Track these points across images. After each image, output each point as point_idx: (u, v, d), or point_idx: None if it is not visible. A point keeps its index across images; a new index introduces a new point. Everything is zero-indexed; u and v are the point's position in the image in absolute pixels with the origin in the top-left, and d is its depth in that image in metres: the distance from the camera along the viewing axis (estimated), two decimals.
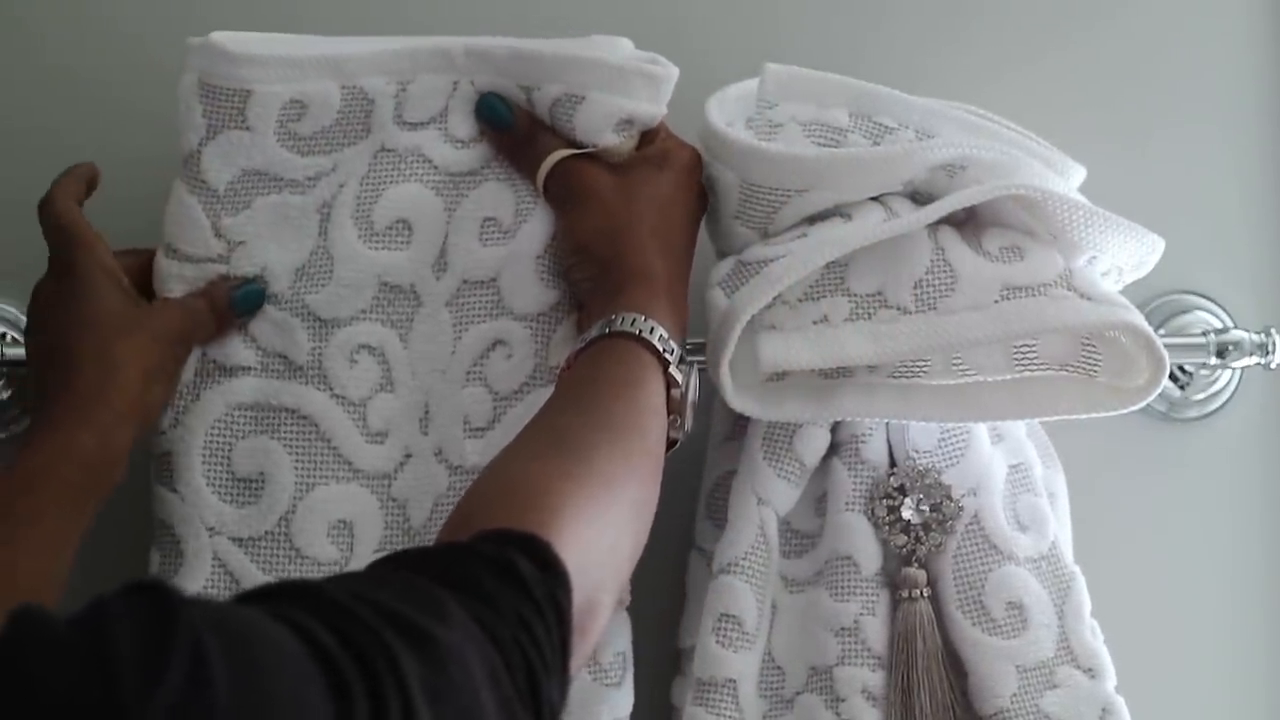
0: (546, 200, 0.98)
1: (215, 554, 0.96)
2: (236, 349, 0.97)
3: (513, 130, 0.98)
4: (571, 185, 0.97)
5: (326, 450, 0.98)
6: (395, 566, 0.69)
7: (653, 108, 0.98)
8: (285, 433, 0.97)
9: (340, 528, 0.98)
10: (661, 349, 0.90)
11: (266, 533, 0.96)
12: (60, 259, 0.94)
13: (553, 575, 0.71)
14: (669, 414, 0.90)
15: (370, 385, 0.98)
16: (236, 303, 0.97)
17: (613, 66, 0.97)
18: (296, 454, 0.97)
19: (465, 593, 0.66)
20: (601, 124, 0.97)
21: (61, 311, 0.92)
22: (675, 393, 0.91)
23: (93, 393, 0.90)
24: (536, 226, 0.99)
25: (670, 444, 0.91)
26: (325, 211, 0.98)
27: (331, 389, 0.98)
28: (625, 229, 0.95)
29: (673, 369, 0.90)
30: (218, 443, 0.97)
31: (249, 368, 0.98)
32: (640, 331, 0.90)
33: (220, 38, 0.95)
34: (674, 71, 0.98)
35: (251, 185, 0.97)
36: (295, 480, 0.97)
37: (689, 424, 0.92)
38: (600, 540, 0.78)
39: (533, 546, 0.71)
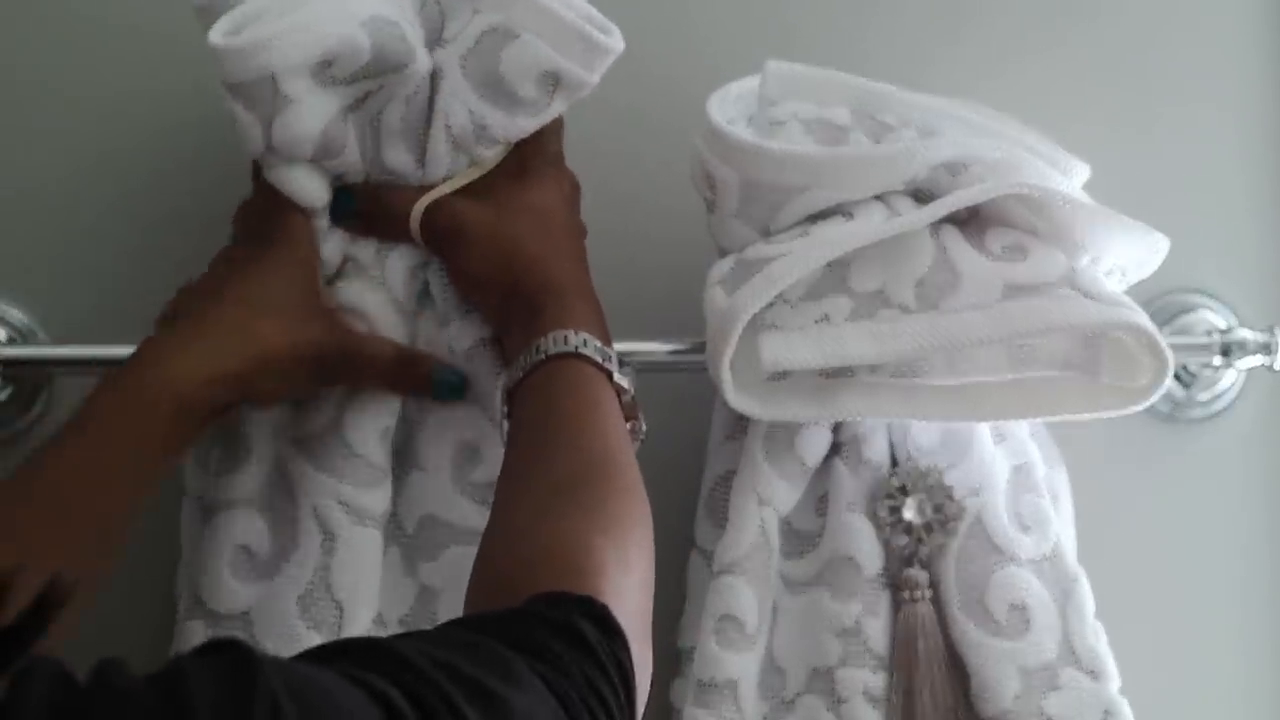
0: (428, 247, 0.97)
1: (277, 454, 0.97)
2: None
3: (357, 209, 0.97)
4: (444, 226, 0.95)
5: None
6: (464, 629, 0.69)
7: (581, 73, 0.95)
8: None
9: (386, 433, 0.98)
10: (601, 360, 0.89)
11: (323, 428, 0.97)
12: (273, 225, 0.95)
13: (613, 637, 0.71)
14: (626, 421, 0.90)
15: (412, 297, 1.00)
16: (436, 384, 0.97)
17: (560, 18, 0.95)
18: None
19: (534, 656, 0.67)
20: (526, 70, 0.95)
21: (253, 265, 0.93)
22: (625, 399, 0.90)
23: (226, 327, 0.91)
24: None
25: None
26: (375, 125, 0.97)
27: (390, 292, 0.98)
28: (514, 252, 0.94)
29: (617, 377, 0.90)
30: None
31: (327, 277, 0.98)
32: (576, 348, 0.89)
33: (216, 39, 0.90)
34: (618, 45, 0.96)
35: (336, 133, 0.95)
36: None
37: (644, 424, 0.92)
38: (635, 589, 0.78)
39: (593, 610, 0.71)
